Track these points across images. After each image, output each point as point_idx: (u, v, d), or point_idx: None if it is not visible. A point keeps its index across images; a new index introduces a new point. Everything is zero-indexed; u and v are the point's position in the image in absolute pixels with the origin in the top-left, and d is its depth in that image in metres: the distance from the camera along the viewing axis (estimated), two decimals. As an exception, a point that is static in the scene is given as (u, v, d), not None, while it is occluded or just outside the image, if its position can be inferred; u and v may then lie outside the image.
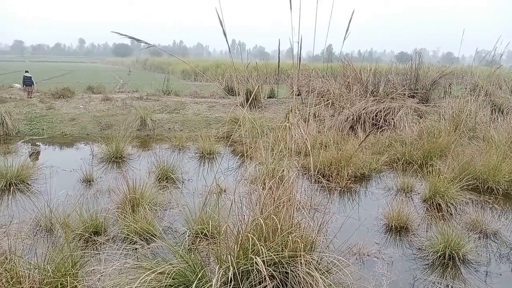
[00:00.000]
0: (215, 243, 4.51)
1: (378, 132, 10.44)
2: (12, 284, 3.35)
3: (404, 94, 12.95)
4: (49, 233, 4.98)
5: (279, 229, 3.18)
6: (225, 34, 3.26)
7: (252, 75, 14.99)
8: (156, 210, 5.81)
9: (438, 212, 6.09)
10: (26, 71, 15.51)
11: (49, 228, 5.05)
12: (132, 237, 4.49)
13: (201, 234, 4.73)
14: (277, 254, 3.03)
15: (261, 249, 2.92)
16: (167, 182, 7.21)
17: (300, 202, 3.93)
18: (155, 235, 4.77)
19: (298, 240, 3.15)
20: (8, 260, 3.48)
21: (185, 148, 10.24)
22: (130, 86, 19.45)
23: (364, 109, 11.32)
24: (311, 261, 3.18)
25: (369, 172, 7.98)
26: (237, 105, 13.89)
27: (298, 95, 16.26)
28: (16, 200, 6.33)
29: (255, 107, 13.57)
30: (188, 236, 4.58)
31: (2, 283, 3.36)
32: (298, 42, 3.37)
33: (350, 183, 7.40)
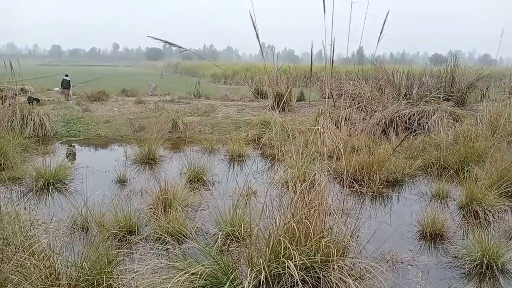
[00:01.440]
0: (245, 245, 4.53)
1: (412, 136, 10.18)
2: (51, 281, 3.47)
3: (439, 97, 12.58)
4: (85, 232, 5.15)
5: (311, 233, 3.15)
6: (257, 37, 3.27)
7: (282, 77, 14.94)
8: (187, 211, 5.89)
9: (475, 220, 5.86)
10: (66, 75, 16.19)
11: (85, 226, 5.22)
12: (165, 237, 4.56)
13: (232, 236, 4.75)
14: (309, 259, 3.00)
15: (293, 253, 2.90)
16: (197, 183, 7.30)
17: (331, 206, 3.88)
18: (187, 236, 4.84)
19: (331, 245, 3.11)
20: (47, 257, 3.61)
21: (215, 150, 10.35)
22: (162, 89, 19.81)
23: (396, 112, 11.07)
24: (344, 267, 3.13)
25: (402, 177, 7.79)
26: (266, 108, 13.90)
27: (329, 98, 16.14)
28: (53, 199, 6.58)
29: (284, 110, 13.55)
30: (219, 238, 4.61)
31: (42, 279, 3.49)
32: (331, 45, 3.33)
33: (382, 188, 7.25)
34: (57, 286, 3.47)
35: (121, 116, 13.21)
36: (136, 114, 13.48)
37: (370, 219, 5.63)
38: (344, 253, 3.42)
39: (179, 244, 4.65)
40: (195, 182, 7.37)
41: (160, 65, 69.53)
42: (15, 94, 11.83)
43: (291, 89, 13.04)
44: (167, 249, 4.62)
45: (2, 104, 12.22)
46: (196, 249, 4.35)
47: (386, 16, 3.75)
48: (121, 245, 4.70)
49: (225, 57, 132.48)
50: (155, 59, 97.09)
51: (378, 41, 3.63)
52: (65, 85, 15.54)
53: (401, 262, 4.62)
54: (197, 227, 5.38)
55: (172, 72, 54.75)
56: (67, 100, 15.07)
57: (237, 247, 4.52)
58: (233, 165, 9.20)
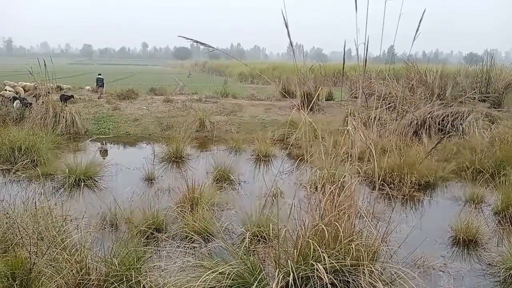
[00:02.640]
0: (271, 246, 4.48)
1: (445, 138, 9.86)
2: (81, 275, 3.54)
3: (474, 98, 12.12)
4: (114, 228, 5.24)
5: (340, 236, 3.07)
6: (289, 35, 3.22)
7: (310, 77, 14.79)
8: (213, 210, 5.90)
9: (511, 226, 5.59)
10: (99, 74, 17.07)
11: (114, 223, 5.31)
12: (192, 235, 4.58)
13: (258, 236, 4.72)
14: (338, 262, 2.92)
15: (323, 255, 2.83)
16: (224, 183, 7.31)
17: (361, 209, 3.78)
18: (213, 234, 4.85)
19: (362, 248, 3.02)
20: (78, 252, 3.69)
21: (241, 150, 10.35)
22: (190, 89, 20.04)
23: (429, 113, 10.75)
24: (374, 271, 3.03)
25: (435, 181, 7.54)
26: (294, 108, 13.80)
27: (357, 97, 15.85)
28: (84, 195, 6.74)
29: (312, 109, 13.40)
30: (247, 237, 4.58)
31: (73, 274, 3.56)
32: (365, 43, 3.24)
33: (414, 191, 7.04)
34: (88, 281, 3.53)
35: (150, 115, 13.42)
36: (164, 113, 13.67)
37: (401, 224, 5.47)
38: (374, 257, 3.32)
39: (206, 243, 4.66)
40: (221, 181, 7.38)
41: (188, 64, 70.40)
42: (48, 92, 12.20)
43: (321, 88, 12.86)
44: (194, 248, 4.64)
45: (36, 101, 12.67)
46: (222, 248, 4.35)
47: (423, 14, 3.62)
48: (149, 242, 4.75)
49: (252, 56, 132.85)
50: (183, 58, 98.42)
51: (414, 39, 3.50)
52: (99, 83, 16.38)
53: (433, 268, 4.46)
54: (223, 227, 5.36)
55: (200, 71, 55.33)
56: (100, 97, 15.58)
57: (263, 248, 4.48)
58: (259, 165, 9.18)
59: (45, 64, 11.50)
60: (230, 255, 3.80)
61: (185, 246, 4.55)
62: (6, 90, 14.39)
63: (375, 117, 10.79)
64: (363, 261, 2.98)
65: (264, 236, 4.54)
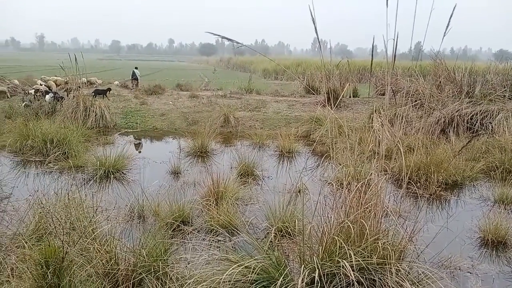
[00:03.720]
0: (295, 242, 4.50)
1: (475, 137, 9.59)
2: (110, 265, 3.66)
3: (504, 95, 11.71)
4: (142, 220, 5.38)
5: (366, 234, 3.06)
6: (316, 32, 3.21)
7: (334, 73, 14.65)
8: (237, 204, 5.96)
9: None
10: (136, 67, 17.91)
11: (141, 215, 5.45)
12: (218, 229, 4.65)
13: (283, 231, 4.74)
14: (364, 260, 2.92)
15: (349, 253, 2.83)
16: (248, 178, 7.37)
17: (388, 207, 3.74)
18: (237, 228, 4.91)
19: (389, 247, 3.00)
20: (108, 243, 3.81)
21: (265, 145, 10.38)
22: (215, 84, 20.22)
23: (457, 111, 10.47)
24: (401, 270, 3.00)
25: (462, 180, 7.36)
26: (318, 104, 13.71)
27: (383, 94, 15.60)
28: (112, 188, 6.93)
29: (336, 106, 13.28)
30: (270, 232, 4.62)
31: (102, 263, 3.69)
32: (394, 39, 3.19)
33: (440, 190, 6.89)
34: (116, 271, 3.65)
35: (176, 110, 13.63)
36: (189, 108, 13.85)
37: (427, 223, 5.38)
38: (400, 256, 3.29)
39: (230, 237, 4.73)
40: (245, 176, 7.44)
41: (213, 60, 70.95)
42: (79, 87, 12.56)
43: (348, 84, 12.72)
44: (218, 241, 4.71)
45: (67, 96, 13.07)
46: (246, 242, 4.40)
47: (453, 10, 3.54)
48: (175, 235, 4.85)
49: (276, 52, 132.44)
50: (208, 55, 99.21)
51: (444, 35, 3.43)
52: (135, 76, 17.28)
53: (461, 269, 4.38)
54: (248, 221, 5.42)
55: (224, 67, 55.67)
56: (133, 88, 16.58)
57: (288, 243, 4.51)
58: (283, 161, 9.19)
59: (75, 60, 11.84)
60: (254, 249, 3.84)
61: (210, 239, 4.64)
62: (40, 84, 14.92)
63: (401, 115, 10.61)
64: (390, 259, 2.95)
65: (288, 231, 4.56)
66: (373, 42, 3.33)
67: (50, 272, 3.28)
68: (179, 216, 5.23)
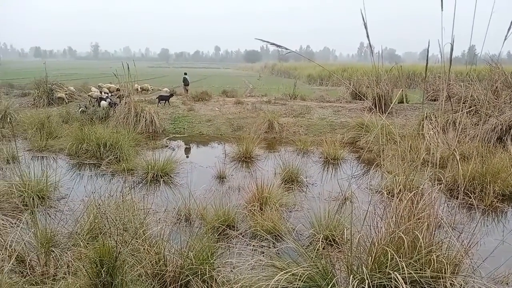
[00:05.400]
0: (341, 250, 4.41)
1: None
2: (159, 266, 3.77)
3: None
4: (188, 223, 5.50)
5: (418, 246, 2.93)
6: (368, 37, 3.15)
7: (382, 78, 14.25)
8: (281, 210, 5.94)
9: None
10: (185, 73, 18.96)
11: (188, 218, 5.58)
12: (263, 234, 4.66)
13: (327, 239, 4.66)
14: (417, 273, 2.79)
15: (401, 265, 2.72)
16: (292, 184, 7.33)
17: (442, 219, 3.56)
18: (281, 234, 4.88)
19: (444, 260, 2.85)
20: (157, 244, 3.93)
21: (309, 152, 10.28)
22: (259, 91, 20.38)
23: (516, 118, 9.82)
24: (456, 285, 2.84)
25: (522, 191, 6.87)
26: (365, 110, 13.40)
27: (434, 100, 14.96)
28: (161, 190, 7.14)
29: (384, 112, 12.91)
30: (315, 240, 4.55)
31: (152, 264, 3.81)
32: (451, 43, 3.05)
33: (497, 202, 6.48)
34: (164, 272, 3.75)
35: (221, 116, 13.86)
36: (235, 114, 14.03)
37: (484, 236, 5.07)
38: (455, 270, 3.11)
39: (275, 243, 4.71)
40: (289, 182, 7.40)
41: (258, 66, 71.54)
42: (130, 93, 13.10)
43: (402, 90, 12.35)
44: (262, 246, 4.71)
45: (120, 102, 13.69)
46: (290, 249, 4.36)
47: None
48: (220, 239, 4.91)
49: (321, 57, 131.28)
50: (253, 61, 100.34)
51: (505, 39, 3.23)
52: (186, 82, 18.42)
53: (521, 288, 4.07)
54: (292, 227, 5.38)
55: (269, 74, 55.91)
56: (186, 94, 17.23)
57: (333, 252, 4.42)
58: (328, 168, 9.04)
59: (128, 67, 12.40)
60: (299, 256, 3.80)
61: (254, 245, 4.65)
62: (101, 91, 15.80)
63: (454, 121, 10.12)
64: (444, 273, 2.80)
65: (334, 239, 4.47)
66: (429, 46, 3.20)
67: (104, 271, 3.42)
68: (225, 220, 5.29)
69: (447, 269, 2.83)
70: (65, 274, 3.79)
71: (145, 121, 12.31)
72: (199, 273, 3.67)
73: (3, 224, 4.54)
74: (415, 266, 2.90)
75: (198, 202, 5.70)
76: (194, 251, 3.87)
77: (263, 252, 4.53)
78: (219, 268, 3.87)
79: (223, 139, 11.65)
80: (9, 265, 3.72)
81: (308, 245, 4.78)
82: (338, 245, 4.46)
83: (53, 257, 4.02)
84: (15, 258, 3.87)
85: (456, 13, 3.43)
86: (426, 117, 9.89)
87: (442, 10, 3.00)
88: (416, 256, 2.96)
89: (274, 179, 7.23)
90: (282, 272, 2.92)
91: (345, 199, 5.47)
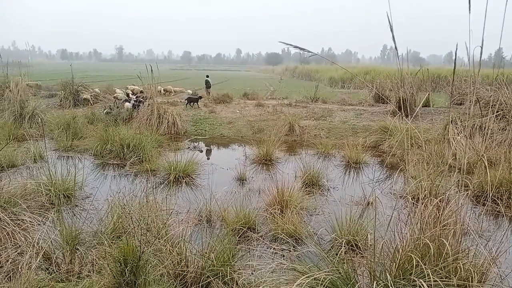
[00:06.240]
0: (363, 256, 4.35)
1: None
2: (181, 267, 3.81)
3: None
4: (209, 224, 5.53)
5: (444, 253, 2.85)
6: (394, 39, 3.10)
7: (406, 82, 14.01)
8: (302, 214, 5.91)
9: None
10: (207, 76, 19.27)
11: (209, 219, 5.61)
12: (284, 237, 4.64)
13: (349, 244, 4.61)
14: (443, 281, 2.72)
15: (427, 272, 2.65)
16: (312, 187, 7.28)
17: (468, 226, 3.47)
18: (301, 238, 4.85)
19: (471, 268, 2.77)
20: (179, 245, 3.98)
21: (330, 155, 10.19)
22: (280, 93, 20.36)
23: (547, 123, 9.48)
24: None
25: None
26: (388, 114, 13.20)
27: (459, 104, 14.60)
28: (182, 191, 7.22)
29: (408, 116, 12.69)
30: (337, 245, 4.51)
31: (173, 265, 3.85)
32: (481, 47, 2.98)
33: (526, 209, 6.26)
34: (186, 273, 3.79)
35: (242, 118, 13.91)
36: (255, 117, 14.06)
37: (510, 244, 4.92)
38: (482, 279, 3.02)
39: (295, 246, 4.68)
40: (310, 186, 7.36)
41: (279, 69, 71.49)
42: (152, 95, 13.30)
43: (429, 94, 12.11)
44: (283, 250, 4.70)
45: (143, 104, 13.92)
46: (311, 253, 4.33)
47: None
48: (240, 241, 4.92)
49: (343, 60, 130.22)
50: (274, 64, 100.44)
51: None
52: (208, 84, 18.78)
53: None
54: (314, 231, 5.34)
55: (290, 76, 55.81)
56: (208, 97, 17.37)
57: (355, 257, 4.36)
58: (349, 172, 8.94)
59: (151, 70, 12.59)
60: (320, 261, 3.77)
61: (275, 248, 4.64)
62: (127, 93, 16.13)
63: (480, 126, 9.86)
64: (471, 282, 2.73)
65: (356, 244, 4.41)
66: (456, 49, 3.12)
67: (128, 270, 3.48)
68: (246, 222, 5.30)
69: (474, 277, 2.75)
70: (90, 272, 3.88)
71: (168, 122, 12.47)
72: (220, 274, 3.68)
73: (30, 222, 4.67)
74: (440, 273, 2.84)
75: (219, 204, 5.73)
76: (215, 252, 3.89)
77: (283, 256, 4.52)
78: (239, 270, 3.88)
79: (244, 141, 11.69)
80: (36, 262, 3.83)
81: (329, 250, 4.73)
82: (360, 250, 4.40)
83: (78, 255, 4.11)
84: (42, 255, 3.98)
85: (482, 15, 3.34)
86: (451, 121, 9.66)
87: (469, 13, 2.92)
88: (442, 263, 2.89)
89: (294, 182, 7.20)
90: (304, 277, 2.90)
91: (368, 204, 5.38)
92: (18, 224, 4.51)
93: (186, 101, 15.51)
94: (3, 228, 4.29)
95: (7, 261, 3.91)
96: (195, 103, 15.39)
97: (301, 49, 3.58)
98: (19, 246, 4.13)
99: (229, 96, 16.87)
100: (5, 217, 4.38)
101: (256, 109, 15.14)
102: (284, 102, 16.51)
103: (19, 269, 3.73)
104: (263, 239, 5.08)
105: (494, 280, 3.22)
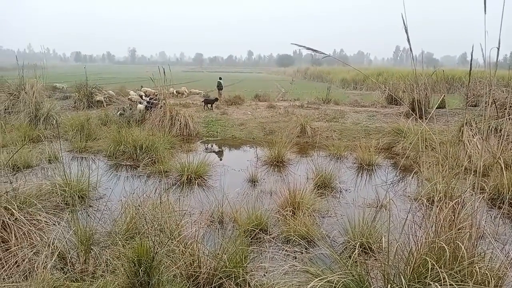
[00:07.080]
0: (376, 259, 4.31)
1: None
2: (193, 268, 3.82)
3: None
4: (221, 225, 5.55)
5: (460, 256, 2.81)
6: (408, 41, 3.07)
7: (420, 83, 13.86)
8: (314, 216, 5.88)
9: None
10: (220, 78, 19.42)
11: (221, 220, 5.62)
12: (297, 239, 4.62)
13: (362, 246, 4.57)
14: (458, 284, 2.68)
15: (443, 275, 2.61)
16: (325, 189, 7.24)
17: (484, 229, 3.41)
18: (314, 240, 4.83)
19: (487, 272, 2.72)
20: (191, 246, 3.99)
21: (342, 157, 10.13)
22: (292, 95, 20.34)
23: None
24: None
25: None
26: (401, 115, 13.07)
27: (474, 105, 14.39)
28: (194, 193, 7.25)
29: (421, 117, 12.54)
30: (350, 247, 4.47)
31: (186, 266, 3.86)
32: (498, 48, 2.93)
33: (544, 213, 6.12)
34: (198, 273, 3.80)
35: (254, 120, 13.93)
36: (267, 118, 14.06)
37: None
38: (499, 283, 2.97)
39: (307, 248, 4.66)
40: (322, 188, 7.31)
41: (290, 71, 71.46)
42: (165, 97, 13.40)
43: (444, 95, 11.96)
44: (295, 251, 4.68)
45: (155, 106, 14.03)
46: (323, 255, 4.30)
47: None
48: (252, 242, 4.91)
49: (355, 61, 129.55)
50: (285, 66, 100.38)
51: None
52: (220, 86, 18.90)
53: None
54: (326, 234, 5.31)
55: (301, 78, 55.69)
56: (220, 98, 17.43)
57: (369, 260, 4.32)
58: (362, 174, 8.87)
59: (164, 72, 12.69)
60: (333, 263, 3.74)
61: (287, 250, 4.62)
62: (141, 95, 16.30)
63: (495, 128, 9.70)
64: (487, 285, 2.68)
65: (369, 247, 4.37)
66: (472, 51, 3.07)
67: (141, 270, 3.51)
68: (258, 224, 5.30)
69: (491, 281, 2.70)
70: (104, 272, 3.92)
71: (180, 124, 12.54)
72: (233, 276, 3.68)
73: (46, 222, 4.74)
74: (456, 277, 2.79)
75: (230, 205, 5.74)
76: (227, 253, 3.90)
77: (295, 258, 4.50)
78: (252, 272, 3.87)
79: (255, 143, 11.70)
80: (52, 261, 3.88)
81: (342, 252, 4.70)
82: (374, 253, 4.36)
83: (92, 255, 4.16)
84: (57, 255, 4.03)
85: (495, 16, 3.29)
86: (466, 123, 9.52)
87: (485, 13, 2.88)
88: (457, 267, 2.84)
89: (306, 184, 7.17)
90: (317, 279, 2.88)
91: (381, 206, 5.33)
92: (34, 224, 4.58)
93: (203, 103, 15.76)
94: (20, 228, 4.36)
95: (24, 260, 3.97)
96: (212, 105, 15.56)
97: (313, 50, 3.56)
98: (35, 245, 4.19)
99: (241, 98, 16.92)
100: (21, 217, 4.46)
101: (267, 111, 15.14)
102: (296, 104, 16.48)
103: (35, 269, 3.78)
104: (275, 240, 5.07)
105: (511, 285, 3.15)
